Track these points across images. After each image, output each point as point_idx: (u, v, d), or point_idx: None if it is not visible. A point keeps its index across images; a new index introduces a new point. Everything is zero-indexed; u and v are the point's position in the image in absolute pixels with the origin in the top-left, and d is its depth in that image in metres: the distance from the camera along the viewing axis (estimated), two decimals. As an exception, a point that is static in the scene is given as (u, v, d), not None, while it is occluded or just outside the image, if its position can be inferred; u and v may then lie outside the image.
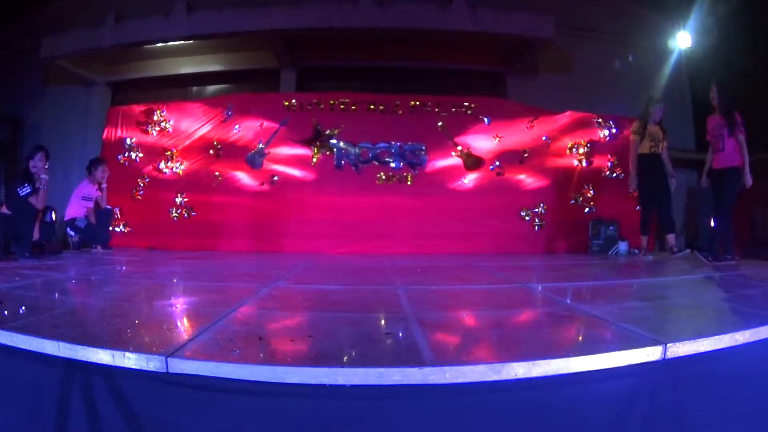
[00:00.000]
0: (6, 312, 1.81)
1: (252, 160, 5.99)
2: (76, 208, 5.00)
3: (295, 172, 6.01)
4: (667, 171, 4.79)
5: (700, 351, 1.39)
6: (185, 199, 5.93)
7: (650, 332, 1.48)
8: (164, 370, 1.22)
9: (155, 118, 6.13)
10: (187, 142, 6.10)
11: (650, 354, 1.32)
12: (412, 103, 6.21)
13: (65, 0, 8.04)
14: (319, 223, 5.77)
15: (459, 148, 6.10)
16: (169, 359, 1.22)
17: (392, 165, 6.05)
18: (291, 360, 1.27)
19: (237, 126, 6.07)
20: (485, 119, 6.17)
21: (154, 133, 6.13)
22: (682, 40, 7.42)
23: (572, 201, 6.09)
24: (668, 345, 1.34)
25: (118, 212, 5.78)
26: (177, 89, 7.98)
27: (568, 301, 2.41)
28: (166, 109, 6.19)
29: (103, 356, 1.28)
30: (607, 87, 7.39)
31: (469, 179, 6.06)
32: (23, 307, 1.93)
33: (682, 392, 1.37)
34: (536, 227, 5.98)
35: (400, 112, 6.20)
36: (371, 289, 2.69)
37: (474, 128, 6.16)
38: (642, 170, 4.74)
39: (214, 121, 6.12)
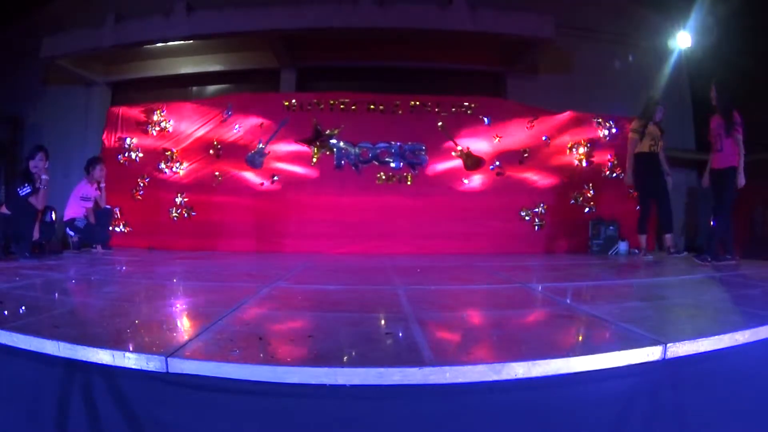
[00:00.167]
0: (6, 312, 1.81)
1: (252, 160, 5.99)
2: (74, 209, 5.00)
3: (295, 171, 6.00)
4: (664, 169, 4.86)
5: (700, 351, 1.39)
6: (185, 199, 5.93)
7: (650, 332, 1.48)
8: (164, 370, 1.22)
9: (155, 118, 6.13)
10: (187, 142, 6.09)
11: (650, 354, 1.32)
12: (412, 103, 6.21)
13: (65, 0, 8.04)
14: (319, 223, 5.76)
15: (459, 148, 6.10)
16: (169, 359, 1.22)
17: (392, 165, 6.05)
18: (291, 360, 1.27)
19: (237, 126, 6.07)
20: (485, 119, 6.17)
21: (154, 133, 6.13)
22: (682, 40, 7.42)
23: (572, 201, 6.08)
24: (668, 345, 1.34)
25: (118, 212, 5.78)
26: (177, 89, 7.98)
27: (568, 301, 2.41)
28: (166, 109, 6.19)
29: (103, 356, 1.28)
30: (607, 87, 7.39)
31: (469, 179, 6.06)
32: (23, 307, 1.93)
33: (682, 392, 1.37)
34: (536, 227, 5.98)
35: (400, 112, 6.20)
36: (371, 289, 2.69)
37: (474, 128, 6.16)
38: (642, 169, 4.79)
39: (214, 121, 6.12)
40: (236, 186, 5.95)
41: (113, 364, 1.26)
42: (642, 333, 1.49)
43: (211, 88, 8.20)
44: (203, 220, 5.88)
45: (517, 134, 6.16)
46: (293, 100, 6.22)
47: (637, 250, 5.09)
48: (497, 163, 6.07)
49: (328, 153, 6.04)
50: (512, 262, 4.44)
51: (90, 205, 5.09)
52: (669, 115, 5.21)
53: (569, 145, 6.17)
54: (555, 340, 1.56)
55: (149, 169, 6.04)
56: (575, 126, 6.22)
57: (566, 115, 6.25)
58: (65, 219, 5.02)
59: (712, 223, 4.38)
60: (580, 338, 1.62)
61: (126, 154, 6.08)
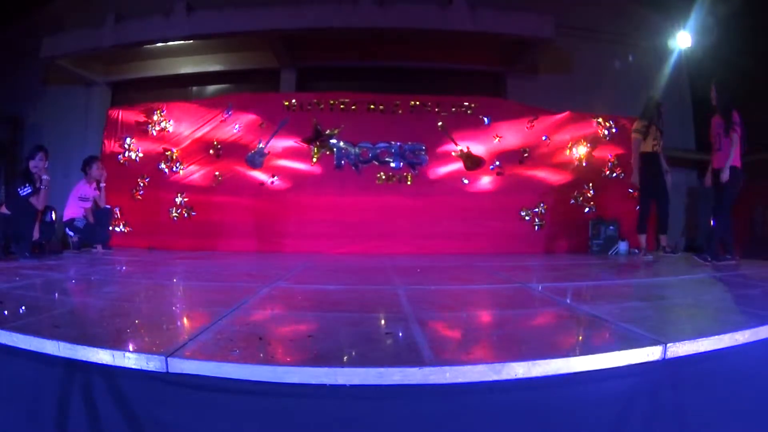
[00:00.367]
0: (6, 312, 1.81)
1: (252, 160, 5.99)
2: (73, 209, 4.99)
3: (295, 171, 6.00)
4: (664, 168, 4.89)
5: (700, 351, 1.39)
6: (185, 199, 5.93)
7: (650, 332, 1.48)
8: (164, 370, 1.22)
9: (155, 118, 6.13)
10: (187, 142, 6.09)
11: (650, 354, 1.32)
12: (412, 103, 6.21)
13: (65, 0, 8.04)
14: (319, 223, 5.76)
15: (459, 148, 6.10)
16: (169, 359, 1.22)
17: (392, 165, 6.05)
18: (291, 360, 1.27)
19: (237, 126, 6.07)
20: (485, 119, 6.17)
21: (154, 133, 6.12)
22: (682, 40, 7.42)
23: (572, 201, 6.08)
24: (668, 345, 1.34)
25: (118, 212, 5.78)
26: (177, 89, 7.99)
27: (568, 301, 2.41)
28: (166, 109, 6.19)
29: (103, 356, 1.28)
30: (607, 87, 7.38)
31: (469, 179, 6.06)
32: (23, 307, 1.93)
33: (682, 392, 1.37)
34: (536, 227, 5.98)
35: (400, 112, 6.20)
36: (371, 289, 2.69)
37: (474, 128, 6.15)
38: (644, 168, 4.83)
39: (214, 121, 6.11)
40: (236, 186, 5.94)
41: (113, 364, 1.26)
42: (642, 333, 1.49)
43: (211, 88, 8.21)
44: (203, 220, 5.87)
45: (517, 134, 6.16)
46: (293, 100, 6.22)
47: (637, 250, 5.09)
48: (497, 163, 6.07)
49: (328, 153, 6.04)
50: (512, 262, 4.44)
51: (88, 205, 5.09)
52: (669, 115, 5.21)
53: (569, 145, 6.17)
54: (555, 340, 1.56)
55: (149, 169, 6.03)
56: (575, 126, 6.22)
57: (566, 115, 6.25)
58: (64, 219, 5.01)
59: (712, 222, 4.38)
60: (580, 338, 1.62)
61: (126, 154, 6.07)
